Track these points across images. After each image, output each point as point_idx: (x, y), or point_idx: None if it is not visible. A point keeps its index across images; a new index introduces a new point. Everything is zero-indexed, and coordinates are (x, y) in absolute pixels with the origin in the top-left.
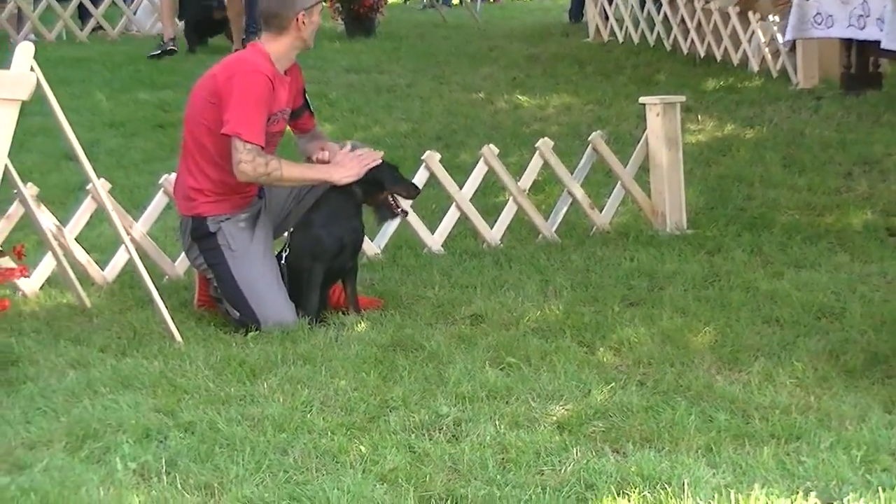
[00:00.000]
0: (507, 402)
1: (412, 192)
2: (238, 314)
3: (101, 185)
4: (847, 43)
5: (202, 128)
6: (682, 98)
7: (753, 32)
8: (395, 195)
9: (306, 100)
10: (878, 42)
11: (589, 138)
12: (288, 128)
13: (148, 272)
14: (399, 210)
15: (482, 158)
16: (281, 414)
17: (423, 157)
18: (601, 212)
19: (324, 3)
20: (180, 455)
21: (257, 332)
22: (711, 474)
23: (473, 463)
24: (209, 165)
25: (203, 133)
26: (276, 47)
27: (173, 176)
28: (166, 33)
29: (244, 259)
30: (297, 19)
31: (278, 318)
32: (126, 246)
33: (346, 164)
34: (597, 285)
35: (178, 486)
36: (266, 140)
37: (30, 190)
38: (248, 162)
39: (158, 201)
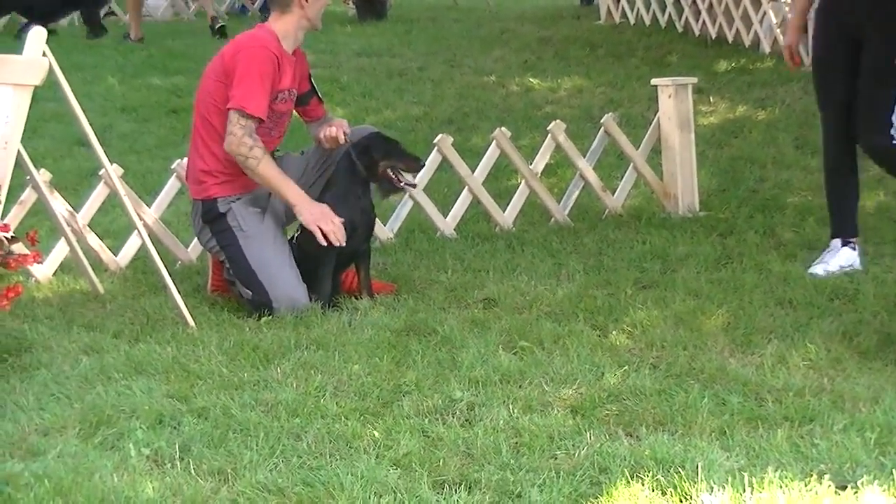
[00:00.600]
0: (520, 386)
1: (411, 164)
2: (250, 294)
3: (113, 171)
4: None
5: (212, 107)
6: (694, 80)
7: (765, 13)
8: (397, 169)
9: (313, 86)
10: None
11: (601, 121)
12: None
13: (161, 258)
14: (402, 184)
15: (494, 142)
16: (294, 399)
17: (435, 141)
18: (613, 194)
19: None
20: (194, 441)
21: (270, 316)
22: (725, 457)
23: (487, 447)
24: (216, 145)
25: (212, 112)
26: (282, 26)
27: (186, 161)
28: (134, 33)
29: (255, 239)
30: None
31: (290, 297)
32: (139, 231)
33: (320, 214)
34: (609, 268)
35: (192, 471)
36: (273, 120)
37: (43, 176)
38: (236, 136)
39: (171, 186)
